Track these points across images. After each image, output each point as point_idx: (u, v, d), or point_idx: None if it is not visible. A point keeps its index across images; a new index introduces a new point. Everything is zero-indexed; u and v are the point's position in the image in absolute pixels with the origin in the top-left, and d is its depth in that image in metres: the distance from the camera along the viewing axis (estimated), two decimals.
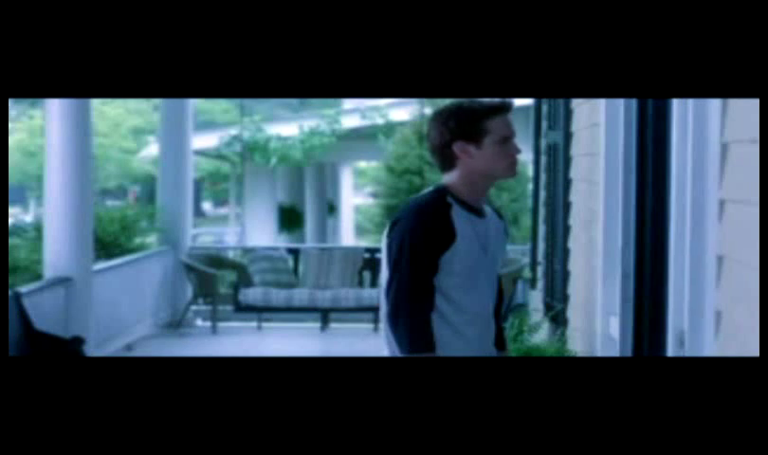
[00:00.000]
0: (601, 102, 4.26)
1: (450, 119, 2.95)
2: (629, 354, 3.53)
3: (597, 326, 4.39)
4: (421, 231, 2.87)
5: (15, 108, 22.06)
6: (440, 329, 2.87)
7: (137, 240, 10.87)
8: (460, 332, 2.90)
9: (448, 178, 2.97)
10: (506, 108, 2.96)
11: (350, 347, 9.64)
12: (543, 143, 7.01)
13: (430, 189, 3.01)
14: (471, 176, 2.94)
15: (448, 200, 2.92)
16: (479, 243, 2.92)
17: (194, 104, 12.24)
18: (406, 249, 2.85)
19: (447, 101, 3.04)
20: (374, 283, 10.91)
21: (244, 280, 10.77)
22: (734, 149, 2.37)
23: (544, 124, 6.97)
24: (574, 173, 5.68)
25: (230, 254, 12.72)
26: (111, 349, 8.93)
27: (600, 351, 4.34)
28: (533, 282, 7.39)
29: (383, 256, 2.97)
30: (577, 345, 5.26)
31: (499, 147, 2.91)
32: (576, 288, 5.59)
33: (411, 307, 2.83)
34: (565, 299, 5.89)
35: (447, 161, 2.96)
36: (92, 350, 7.83)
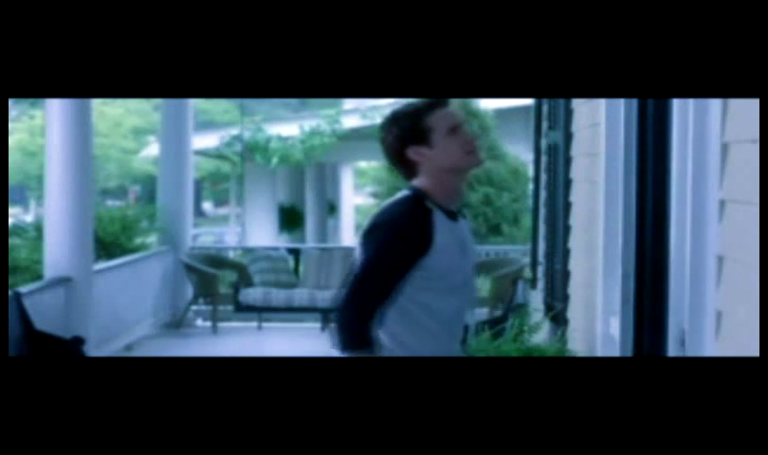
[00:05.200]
0: (601, 102, 4.25)
1: (393, 128, 2.90)
2: (629, 354, 3.53)
3: (597, 326, 4.39)
4: (397, 240, 2.82)
5: (15, 108, 22.07)
6: (410, 331, 2.84)
7: (138, 240, 10.87)
8: (432, 333, 2.86)
9: (419, 183, 2.91)
10: (440, 104, 2.89)
11: None
12: (544, 143, 7.01)
13: (407, 193, 2.93)
14: (438, 176, 2.87)
15: (428, 205, 2.85)
16: (458, 246, 2.88)
17: (194, 104, 12.22)
18: (381, 255, 2.80)
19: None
20: None
21: (244, 280, 10.77)
22: (734, 149, 2.37)
23: (544, 124, 6.97)
24: (574, 174, 5.68)
25: (231, 254, 12.72)
26: (111, 349, 8.92)
27: (600, 351, 4.33)
28: (533, 282, 7.39)
29: (356, 256, 2.90)
30: (578, 345, 5.26)
31: (449, 139, 2.85)
32: (576, 288, 5.59)
33: (361, 304, 2.79)
34: (565, 299, 5.89)
35: (409, 169, 2.91)
36: (92, 350, 7.83)
